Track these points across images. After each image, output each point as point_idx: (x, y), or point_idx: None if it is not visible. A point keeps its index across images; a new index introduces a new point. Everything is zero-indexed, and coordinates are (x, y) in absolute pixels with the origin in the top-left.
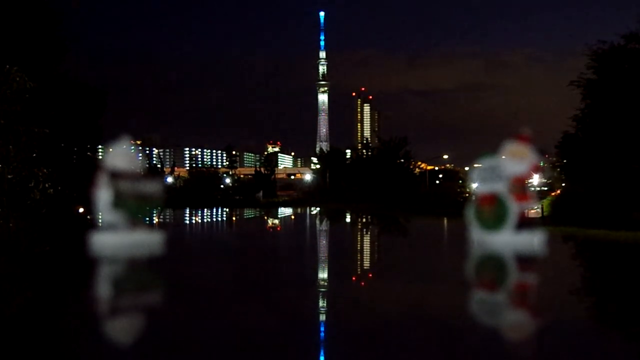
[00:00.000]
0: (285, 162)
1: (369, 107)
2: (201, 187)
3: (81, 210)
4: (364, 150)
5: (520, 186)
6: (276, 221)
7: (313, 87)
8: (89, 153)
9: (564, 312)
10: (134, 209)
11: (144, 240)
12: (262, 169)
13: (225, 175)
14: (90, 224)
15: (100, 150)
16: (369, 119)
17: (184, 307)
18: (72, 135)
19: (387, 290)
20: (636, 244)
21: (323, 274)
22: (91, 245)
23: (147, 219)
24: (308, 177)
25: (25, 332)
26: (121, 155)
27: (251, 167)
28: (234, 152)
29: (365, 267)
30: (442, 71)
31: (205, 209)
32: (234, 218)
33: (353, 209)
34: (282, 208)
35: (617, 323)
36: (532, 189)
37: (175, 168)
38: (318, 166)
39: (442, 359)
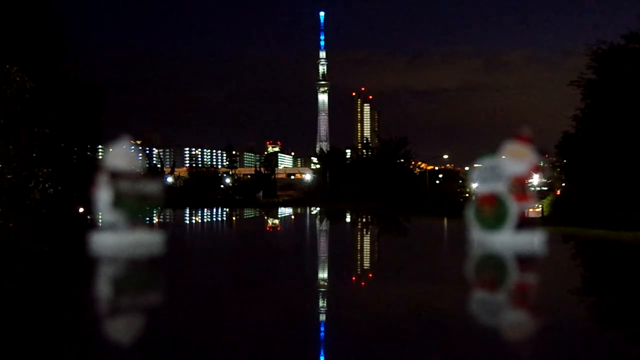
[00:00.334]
0: (285, 162)
1: (369, 107)
2: (201, 187)
3: (81, 210)
4: (364, 150)
5: (520, 186)
6: (276, 221)
7: (313, 87)
8: (89, 153)
9: (563, 312)
10: (134, 209)
11: (144, 240)
12: (262, 169)
13: (225, 175)
14: (90, 224)
15: (100, 150)
16: (369, 119)
17: (183, 307)
18: (72, 135)
19: (387, 290)
20: (636, 244)
21: (323, 274)
22: (91, 246)
23: (147, 219)
24: (308, 177)
25: (26, 333)
26: (121, 155)
27: (251, 167)
28: (234, 152)
29: (365, 267)
30: (442, 71)
31: (205, 209)
32: (234, 218)
33: (353, 209)
34: (282, 208)
35: (617, 323)
36: (532, 189)
37: (175, 168)
38: (318, 166)
39: (442, 358)
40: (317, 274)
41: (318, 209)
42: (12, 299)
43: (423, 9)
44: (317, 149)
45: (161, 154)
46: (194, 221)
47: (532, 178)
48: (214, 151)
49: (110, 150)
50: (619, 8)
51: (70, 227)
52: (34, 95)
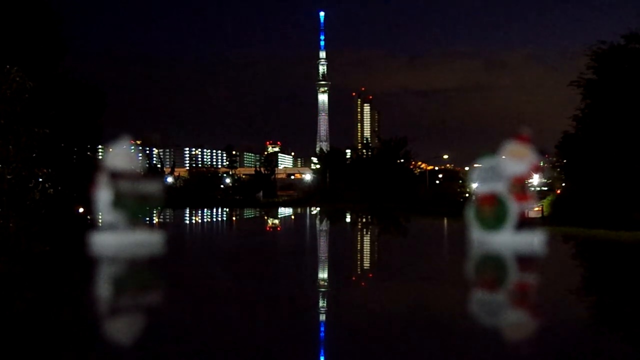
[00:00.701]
0: (285, 162)
1: (369, 107)
2: (201, 187)
3: (81, 210)
4: (364, 150)
5: (520, 186)
6: (276, 221)
7: (313, 87)
8: (89, 153)
9: (563, 312)
10: (134, 209)
11: (144, 240)
12: (262, 169)
13: (225, 175)
14: (90, 224)
15: (100, 150)
16: (369, 119)
17: (183, 306)
18: (72, 135)
19: (387, 290)
20: (636, 244)
21: (323, 274)
22: (91, 246)
23: (147, 219)
24: (308, 177)
25: (26, 332)
26: (121, 155)
27: (251, 167)
28: (234, 152)
29: (365, 267)
30: (442, 71)
31: (206, 209)
32: (234, 218)
33: (353, 209)
34: (282, 208)
35: (617, 323)
36: (532, 189)
37: (175, 168)
38: (318, 166)
39: (441, 357)
40: (317, 274)
41: (318, 209)
42: (12, 299)
43: (423, 9)
44: (317, 149)
45: (161, 154)
46: (194, 221)
47: (532, 178)
48: (214, 151)
49: (110, 150)
50: (619, 8)
51: (70, 227)
52: (33, 95)
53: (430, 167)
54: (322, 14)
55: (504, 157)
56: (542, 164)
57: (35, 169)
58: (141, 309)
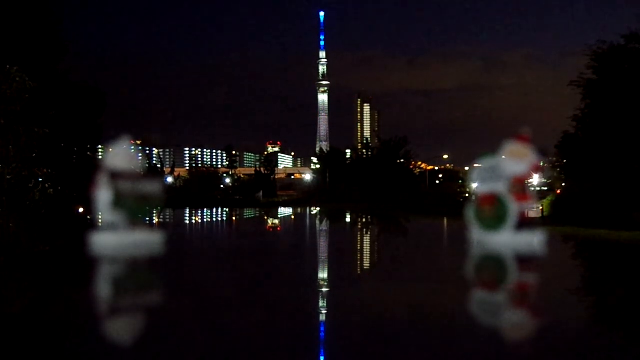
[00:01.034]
0: (285, 162)
1: (369, 107)
2: (201, 187)
3: (81, 210)
4: (364, 150)
5: (520, 186)
6: (276, 221)
7: (313, 87)
8: (89, 153)
9: (563, 312)
10: (134, 209)
11: (144, 241)
12: (262, 169)
13: (225, 175)
14: (90, 224)
15: (100, 150)
16: (369, 119)
17: (183, 306)
18: (72, 135)
19: (386, 290)
20: (636, 244)
21: (323, 274)
22: (91, 246)
23: (147, 219)
24: (308, 177)
25: (26, 332)
26: (121, 155)
27: (251, 167)
28: (234, 152)
29: (365, 267)
30: (442, 71)
31: (206, 209)
32: (234, 218)
33: (353, 209)
34: (282, 208)
35: (617, 323)
36: (532, 189)
37: (175, 168)
38: (318, 166)
39: (441, 356)
40: (316, 274)
41: (318, 209)
42: (12, 299)
43: (423, 9)
44: (317, 149)
45: (161, 154)
46: (194, 221)
47: (532, 178)
48: (214, 151)
49: (110, 150)
50: (619, 8)
51: (70, 227)
52: (33, 95)
53: (430, 167)
54: (322, 14)
55: (504, 157)
56: (542, 164)
57: (35, 169)
58: (141, 310)
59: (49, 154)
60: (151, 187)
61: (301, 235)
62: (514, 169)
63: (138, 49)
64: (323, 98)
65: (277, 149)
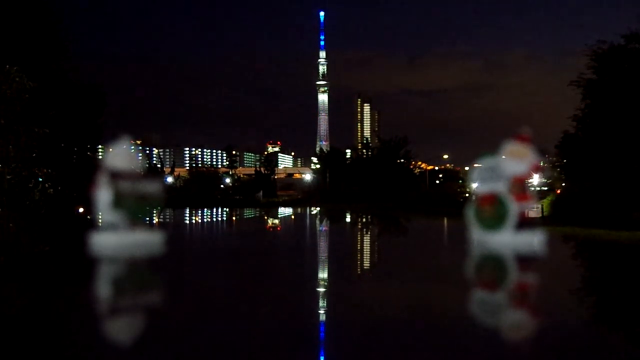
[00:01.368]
0: (285, 162)
1: (369, 107)
2: (201, 187)
3: (81, 210)
4: (364, 150)
5: (520, 186)
6: (276, 221)
7: (313, 87)
8: (89, 153)
9: (563, 312)
10: (134, 209)
11: (144, 241)
12: (262, 169)
13: (225, 175)
14: (90, 224)
15: (100, 150)
16: (369, 119)
17: (182, 306)
18: (72, 135)
19: (386, 289)
20: (636, 244)
21: (323, 274)
22: (91, 246)
23: (147, 219)
24: (308, 177)
25: (26, 332)
26: (121, 155)
27: (251, 167)
28: (234, 152)
29: (365, 267)
30: (442, 71)
31: (206, 209)
32: (234, 218)
33: (353, 209)
34: (282, 208)
35: (617, 323)
36: (532, 189)
37: (175, 168)
38: (318, 166)
39: (441, 356)
40: (317, 274)
41: (318, 208)
42: (12, 299)
43: (423, 9)
44: (317, 149)
45: (161, 154)
46: (194, 221)
47: (532, 178)
48: (214, 151)
49: (110, 150)
50: (619, 8)
51: (70, 227)
52: (33, 95)
53: (430, 167)
54: (322, 14)
55: (504, 157)
56: (542, 164)
57: (35, 169)
58: (141, 310)
59: (49, 154)
60: (151, 187)
61: (301, 235)
62: (514, 169)
63: (138, 48)
64: (323, 98)
65: (277, 149)
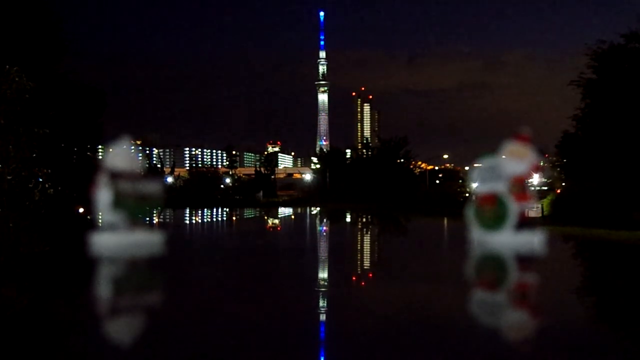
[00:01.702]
0: (285, 162)
1: (369, 107)
2: (201, 187)
3: (81, 210)
4: (364, 150)
5: (520, 186)
6: (276, 221)
7: (313, 87)
8: (89, 153)
9: (563, 312)
10: (134, 209)
11: (144, 241)
12: (262, 169)
13: (225, 175)
14: (90, 224)
15: (100, 150)
16: (369, 119)
17: (182, 306)
18: (72, 135)
19: (386, 289)
20: (636, 244)
21: (323, 274)
22: (91, 246)
23: (147, 219)
24: (308, 177)
25: (26, 332)
26: (121, 155)
27: (251, 167)
28: (234, 152)
29: (365, 267)
30: (442, 71)
31: (206, 209)
32: (234, 218)
33: (353, 209)
34: (282, 208)
35: (617, 323)
36: (532, 188)
37: (175, 168)
38: (318, 166)
39: (440, 356)
40: (317, 274)
41: (318, 208)
42: (12, 299)
43: (422, 9)
44: (317, 149)
45: (161, 154)
46: (194, 221)
47: (532, 178)
48: (214, 151)
49: (110, 150)
50: (619, 8)
51: (70, 227)
52: (33, 95)
53: (430, 167)
54: (322, 14)
55: (504, 157)
56: (542, 164)
57: (35, 169)
58: (141, 310)
59: (49, 154)
60: (151, 187)
61: (301, 235)
62: (514, 168)
63: (138, 48)
64: (323, 98)
65: (277, 149)
